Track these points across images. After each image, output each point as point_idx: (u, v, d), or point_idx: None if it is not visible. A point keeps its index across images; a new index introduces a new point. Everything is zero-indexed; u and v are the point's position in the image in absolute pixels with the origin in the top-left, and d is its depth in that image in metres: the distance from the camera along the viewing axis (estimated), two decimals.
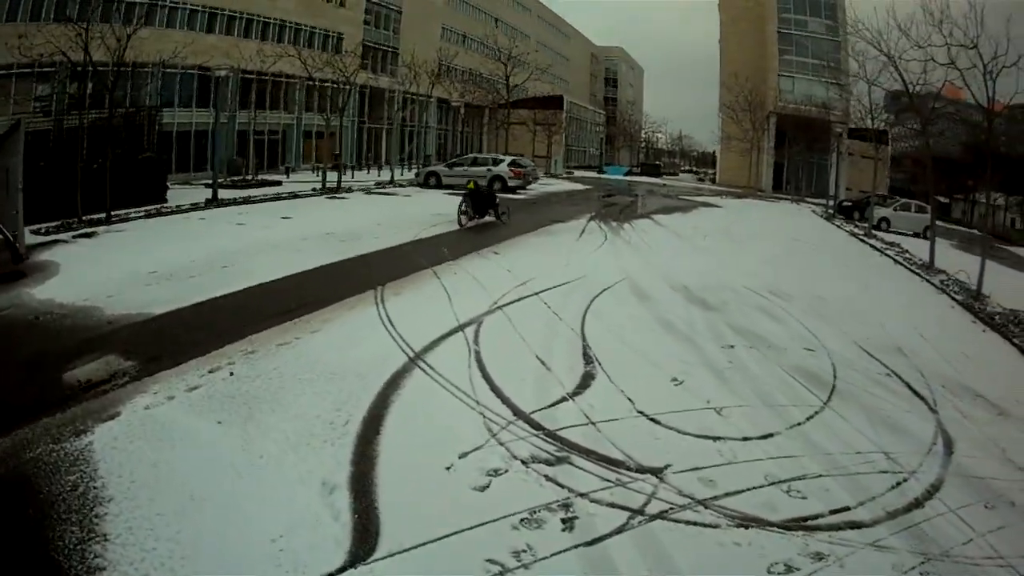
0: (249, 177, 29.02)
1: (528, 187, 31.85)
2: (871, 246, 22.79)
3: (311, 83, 32.58)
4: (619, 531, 5.09)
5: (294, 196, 24.35)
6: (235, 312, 9.87)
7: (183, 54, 25.77)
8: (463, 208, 18.82)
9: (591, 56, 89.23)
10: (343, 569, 4.45)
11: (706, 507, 5.52)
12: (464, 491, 5.47)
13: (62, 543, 4.49)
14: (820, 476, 6.18)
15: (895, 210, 31.37)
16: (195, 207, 20.06)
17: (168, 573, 4.31)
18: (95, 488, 5.12)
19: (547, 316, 10.51)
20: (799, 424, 7.34)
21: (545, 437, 6.48)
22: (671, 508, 5.46)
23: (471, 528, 4.91)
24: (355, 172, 29.99)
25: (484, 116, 54.72)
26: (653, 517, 5.31)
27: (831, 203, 35.71)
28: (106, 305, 9.68)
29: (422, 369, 7.93)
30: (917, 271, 18.03)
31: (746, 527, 5.31)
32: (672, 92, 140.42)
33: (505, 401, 7.20)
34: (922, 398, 8.54)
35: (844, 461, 6.52)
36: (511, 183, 29.48)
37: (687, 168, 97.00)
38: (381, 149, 44.02)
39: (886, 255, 20.78)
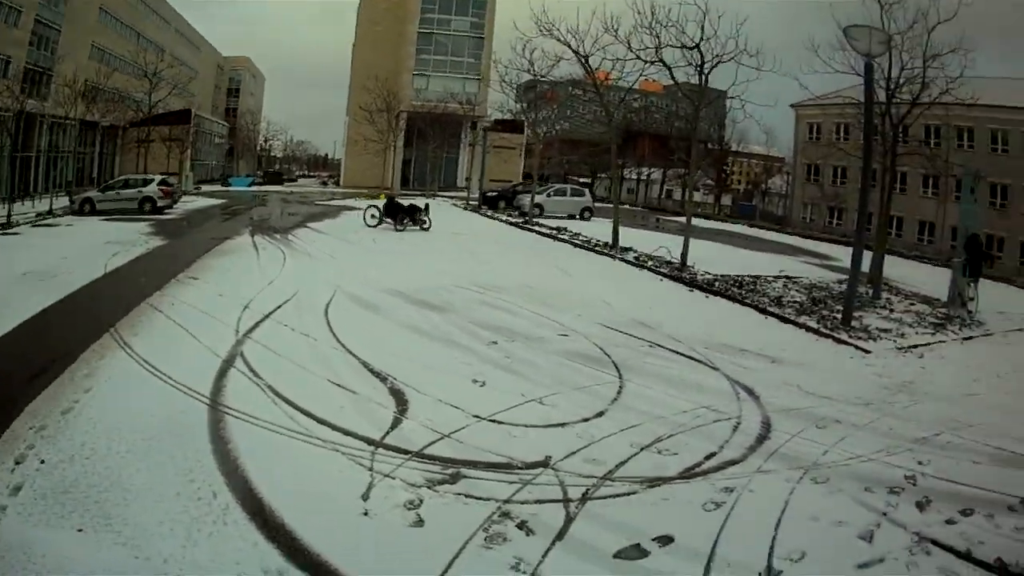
0: None
1: (175, 206, 33.35)
2: (538, 233, 26.10)
3: None
4: (569, 521, 5.78)
5: None
6: None
7: None
8: (375, 215, 25.57)
9: (217, 67, 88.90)
10: None
11: (613, 480, 6.51)
12: (404, 531, 5.61)
13: None
14: (672, 435, 7.60)
15: (549, 196, 35.12)
16: None
17: None
18: None
19: (298, 338, 10.79)
20: (616, 399, 8.76)
21: (419, 459, 6.80)
22: (588, 488, 6.32)
23: (450, 568, 5.15)
24: (9, 204, 27.66)
25: (118, 136, 52.90)
26: (583, 500, 6.11)
27: (475, 195, 39.10)
28: None
29: (235, 416, 7.63)
30: (604, 252, 21.42)
31: (656, 486, 6.44)
32: (293, 98, 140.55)
33: (348, 433, 7.31)
34: (698, 360, 10.68)
35: (680, 419, 8.05)
36: (160, 203, 31.21)
37: (303, 173, 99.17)
38: (30, 178, 40.57)
39: (561, 240, 24.03)
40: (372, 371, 9.35)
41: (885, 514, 6.17)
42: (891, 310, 15.92)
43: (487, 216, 33.03)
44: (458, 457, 6.90)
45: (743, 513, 6.05)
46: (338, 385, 8.78)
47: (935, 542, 5.72)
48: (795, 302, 15.65)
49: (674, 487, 6.47)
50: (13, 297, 12.97)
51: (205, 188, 54.17)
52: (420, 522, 5.74)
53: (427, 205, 27.07)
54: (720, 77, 20.59)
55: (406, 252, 20.35)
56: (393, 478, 6.43)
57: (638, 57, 21.47)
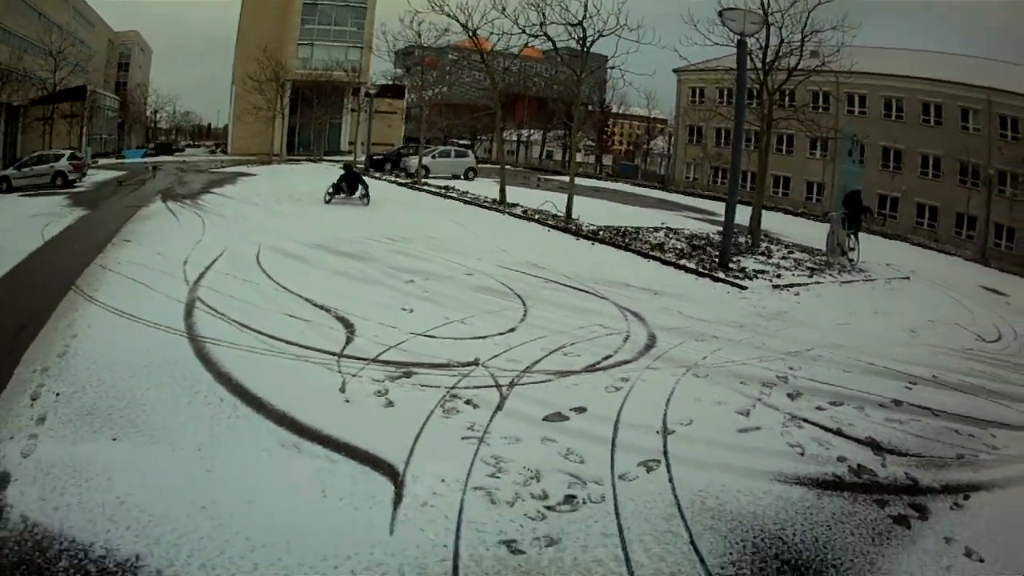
0: None
1: (83, 179, 34.55)
2: (427, 192, 27.62)
3: None
4: (503, 399, 7.44)
5: None
6: None
7: None
8: (338, 187, 24.20)
9: (108, 42, 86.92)
10: None
11: (532, 372, 8.26)
12: (381, 411, 7.14)
13: None
14: (574, 344, 9.42)
15: (434, 158, 36.77)
16: None
17: None
18: None
19: (241, 284, 12.14)
20: (523, 319, 10.55)
21: (376, 364, 8.37)
22: (513, 378, 8.04)
23: (418, 438, 6.63)
24: None
25: (20, 116, 52.18)
26: (511, 385, 7.77)
27: (360, 159, 40.07)
28: None
29: (213, 343, 8.99)
30: (493, 208, 23.18)
31: (567, 375, 8.23)
32: (177, 68, 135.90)
33: (313, 349, 8.85)
34: (588, 292, 12.55)
35: (578, 333, 9.89)
36: (70, 176, 32.71)
37: (189, 143, 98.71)
38: None
39: (450, 198, 25.63)
40: (316, 305, 10.83)
41: (760, 399, 7.98)
42: (769, 256, 18.28)
43: (375, 178, 34.10)
44: (406, 360, 8.49)
45: (639, 394, 7.83)
46: (292, 316, 10.22)
47: (807, 420, 7.50)
48: (676, 249, 17.81)
49: (581, 377, 8.25)
50: None
51: (102, 162, 53.97)
52: (391, 404, 7.28)
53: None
54: (602, 44, 22.63)
55: (310, 212, 21.60)
56: (360, 377, 7.95)
57: (524, 31, 23.29)
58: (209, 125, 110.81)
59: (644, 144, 70.77)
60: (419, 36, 30.73)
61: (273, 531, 5.08)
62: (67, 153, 34.87)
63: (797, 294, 14.30)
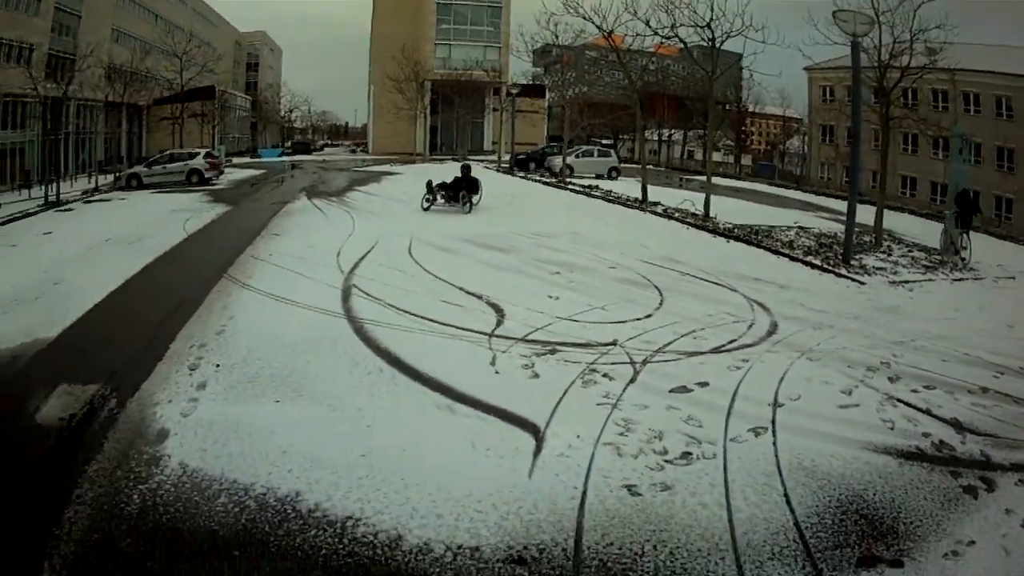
0: None
1: (219, 177, 34.32)
2: (571, 191, 28.69)
3: (6, 99, 32.52)
4: (636, 374, 8.57)
5: (27, 215, 23.39)
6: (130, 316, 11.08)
7: None
8: (436, 194, 21.68)
9: (236, 43, 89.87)
10: None
11: (663, 352, 9.32)
12: (528, 380, 8.37)
13: None
14: (704, 328, 10.38)
15: (578, 157, 36.91)
16: None
17: None
18: None
19: (395, 273, 13.41)
20: (660, 307, 11.55)
21: (524, 343, 9.60)
22: (647, 356, 9.12)
23: (559, 404, 7.81)
24: (46, 186, 28.18)
25: (144, 115, 54.43)
26: (644, 363, 8.89)
27: (504, 158, 41.21)
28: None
29: (372, 324, 10.44)
30: (634, 206, 24.09)
31: (693, 355, 9.24)
32: (308, 69, 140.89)
33: (466, 330, 10.13)
34: (720, 284, 13.39)
35: (708, 321, 10.81)
36: (206, 174, 32.53)
37: (327, 142, 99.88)
38: (60, 160, 41.58)
39: (594, 196, 26.70)
40: (467, 292, 12.09)
41: (863, 381, 8.69)
42: (889, 254, 18.37)
43: (521, 177, 35.15)
44: (551, 340, 9.70)
45: (756, 373, 8.74)
46: (445, 302, 11.49)
47: (901, 400, 8.16)
48: (804, 246, 18.20)
49: (706, 357, 9.25)
50: (108, 259, 14.90)
51: (236, 160, 54.51)
52: (536, 375, 8.52)
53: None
54: (735, 40, 23.07)
55: (457, 209, 22.38)
56: (509, 353, 9.21)
57: (656, 33, 24.02)
58: (346, 124, 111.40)
59: (780, 144, 69.14)
60: (556, 37, 31.71)
61: (425, 473, 6.21)
62: (203, 151, 34.87)
63: (911, 290, 14.47)
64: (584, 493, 5.98)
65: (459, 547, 5.26)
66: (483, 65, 56.50)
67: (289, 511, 5.62)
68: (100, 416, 7.34)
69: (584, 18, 26.24)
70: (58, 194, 27.51)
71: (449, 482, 6.06)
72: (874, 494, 6.15)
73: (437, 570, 5.01)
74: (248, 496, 5.80)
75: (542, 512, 5.70)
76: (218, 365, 8.58)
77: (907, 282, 15.16)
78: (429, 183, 21.88)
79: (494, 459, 6.53)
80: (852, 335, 10.73)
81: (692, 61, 26.54)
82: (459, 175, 22.13)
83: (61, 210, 25.04)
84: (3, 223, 21.55)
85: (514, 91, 41.91)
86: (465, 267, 14.05)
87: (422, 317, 10.58)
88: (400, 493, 5.89)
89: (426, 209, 21.14)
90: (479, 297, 11.80)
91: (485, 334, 9.95)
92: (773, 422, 7.41)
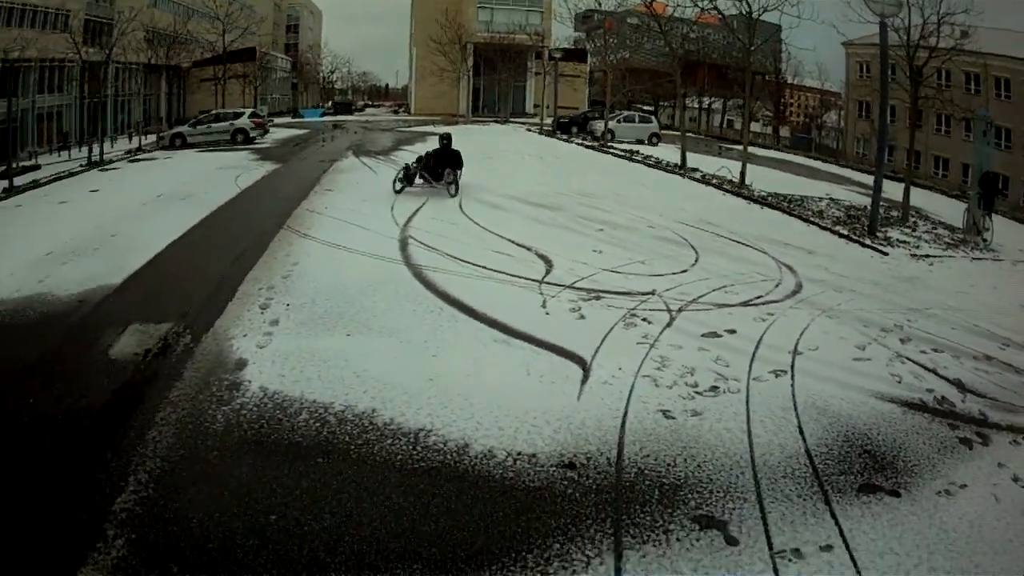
0: None
1: (264, 136, 33.57)
2: (613, 155, 28.97)
3: (44, 64, 32.49)
4: (672, 320, 9.20)
5: (71, 174, 23.27)
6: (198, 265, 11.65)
7: None
8: (413, 175, 17.50)
9: (275, 5, 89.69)
10: None
11: (697, 302, 9.95)
12: (574, 322, 9.05)
13: None
14: (734, 284, 10.92)
15: (619, 122, 36.53)
16: None
17: None
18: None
19: (448, 226, 13.76)
20: (695, 264, 12.10)
21: (572, 289, 10.26)
22: (682, 305, 9.75)
23: (603, 341, 8.50)
24: (90, 147, 28.14)
25: (183, 77, 53.99)
26: (679, 311, 9.51)
27: (546, 121, 41.13)
28: (50, 289, 10.05)
29: (430, 270, 11.16)
30: (674, 171, 24.44)
31: (724, 307, 9.85)
32: (348, 31, 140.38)
33: (518, 277, 10.78)
34: (751, 247, 13.85)
35: (737, 278, 11.34)
36: (252, 133, 31.93)
37: (367, 103, 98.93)
38: (98, 122, 42.16)
39: (635, 161, 27.06)
40: (517, 244, 12.66)
41: (876, 340, 9.16)
42: (914, 230, 18.55)
43: (563, 140, 35.15)
44: (596, 288, 10.34)
45: (780, 325, 9.30)
46: (497, 252, 12.10)
47: (910, 359, 8.62)
48: (834, 216, 18.49)
49: (736, 309, 9.83)
50: (162, 213, 14.88)
51: (278, 120, 52.47)
52: (583, 317, 9.19)
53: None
54: (773, 13, 23.18)
55: (504, 169, 22.81)
56: (557, 298, 9.87)
57: (695, 4, 24.33)
58: (387, 85, 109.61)
59: (818, 117, 68.12)
60: (598, 2, 31.96)
61: (487, 393, 6.91)
62: (247, 111, 33.96)
63: (931, 264, 14.73)
64: (625, 414, 6.66)
65: (519, 453, 5.95)
66: (526, 29, 55.48)
67: (367, 424, 6.27)
68: (176, 350, 7.73)
69: None
70: (102, 154, 27.09)
71: (508, 401, 6.75)
72: (878, 434, 6.69)
73: (500, 472, 5.71)
74: (328, 413, 6.40)
75: (589, 428, 6.39)
76: (288, 304, 9.06)
77: (928, 256, 15.42)
78: (406, 166, 17.80)
79: (547, 384, 7.22)
80: (870, 299, 11.16)
81: (730, 31, 26.37)
82: (439, 147, 17.75)
83: (105, 169, 24.68)
84: (48, 182, 21.67)
85: (556, 55, 41.47)
86: (514, 222, 14.51)
87: (476, 265, 11.20)
88: (465, 410, 6.58)
89: (399, 191, 16.90)
90: (528, 249, 12.37)
91: (535, 280, 10.60)
92: (792, 367, 7.98)
